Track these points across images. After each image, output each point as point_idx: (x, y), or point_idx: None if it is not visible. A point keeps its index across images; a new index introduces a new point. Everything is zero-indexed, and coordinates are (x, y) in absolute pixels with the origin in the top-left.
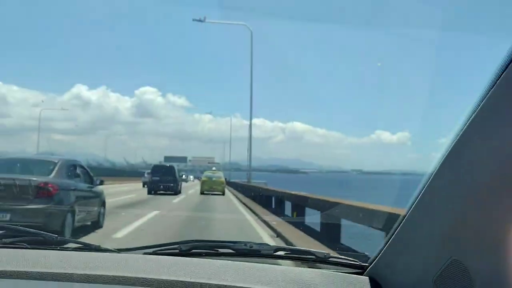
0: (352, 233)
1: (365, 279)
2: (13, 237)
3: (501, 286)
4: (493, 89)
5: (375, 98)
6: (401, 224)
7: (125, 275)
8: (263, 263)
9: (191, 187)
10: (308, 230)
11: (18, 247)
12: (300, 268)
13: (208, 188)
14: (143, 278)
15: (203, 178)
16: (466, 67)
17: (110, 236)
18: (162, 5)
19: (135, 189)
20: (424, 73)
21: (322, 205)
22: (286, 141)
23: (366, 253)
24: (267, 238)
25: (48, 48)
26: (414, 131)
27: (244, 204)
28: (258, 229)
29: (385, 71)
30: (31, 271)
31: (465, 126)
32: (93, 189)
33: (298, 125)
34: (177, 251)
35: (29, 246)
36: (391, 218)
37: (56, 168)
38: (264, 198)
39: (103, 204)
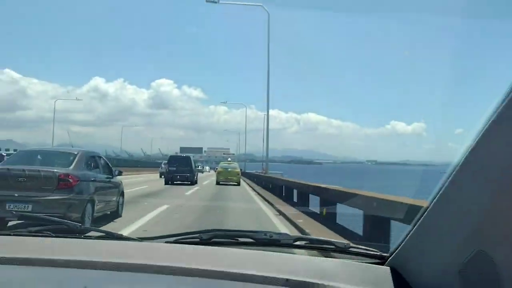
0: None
1: (386, 269)
2: (38, 226)
3: None
4: None
5: (391, 88)
6: (424, 215)
7: (148, 263)
8: (283, 252)
9: (206, 178)
10: (334, 226)
11: (44, 235)
12: (320, 257)
13: (224, 179)
14: (165, 266)
15: (219, 169)
16: (490, 55)
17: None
18: None
19: (150, 180)
20: (443, 62)
21: (342, 196)
22: (301, 132)
23: (386, 244)
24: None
25: (66, 42)
26: (431, 121)
27: (261, 196)
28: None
29: (402, 61)
30: (57, 259)
31: (494, 116)
32: (112, 179)
33: (313, 116)
34: (198, 240)
35: (53, 235)
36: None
37: (76, 160)
38: (283, 191)
39: (121, 194)
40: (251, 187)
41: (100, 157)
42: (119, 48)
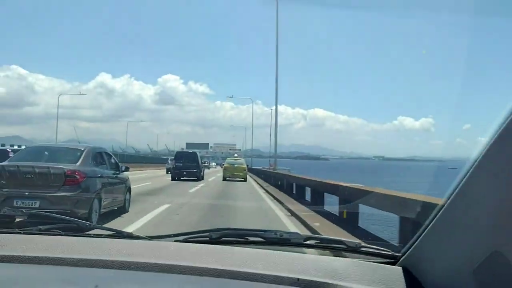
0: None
1: (398, 269)
2: (48, 224)
3: None
4: None
5: (399, 84)
6: (439, 213)
7: (158, 262)
8: (293, 251)
9: (212, 174)
10: (357, 231)
11: (54, 234)
12: (331, 257)
13: (230, 175)
14: (175, 265)
15: (225, 165)
16: (501, 52)
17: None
18: None
19: (154, 176)
20: (453, 59)
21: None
22: (307, 128)
23: (398, 244)
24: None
25: (73, 38)
26: (439, 116)
27: (270, 194)
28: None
29: (410, 57)
30: (66, 258)
31: None
32: (118, 175)
33: (320, 112)
34: (208, 239)
35: (63, 233)
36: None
37: (83, 156)
38: (293, 188)
39: (128, 190)
40: (258, 184)
41: (107, 153)
42: (125, 44)
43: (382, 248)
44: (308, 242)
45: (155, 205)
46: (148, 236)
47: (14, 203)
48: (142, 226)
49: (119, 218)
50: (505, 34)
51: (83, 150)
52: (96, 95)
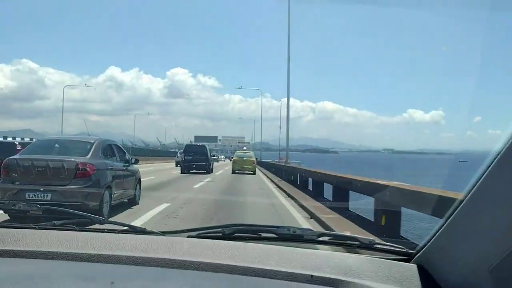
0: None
1: (413, 266)
2: (62, 219)
3: None
4: None
5: (409, 76)
6: (457, 210)
7: (171, 257)
8: (306, 248)
9: (220, 167)
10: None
11: (67, 229)
12: (344, 253)
13: (239, 168)
14: (189, 261)
15: (234, 158)
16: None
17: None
18: None
19: (160, 169)
20: (466, 52)
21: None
22: (316, 121)
23: (413, 241)
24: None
25: (82, 31)
26: (449, 109)
27: (283, 191)
28: None
29: (421, 50)
30: (81, 253)
31: None
32: (128, 167)
33: (329, 105)
34: (220, 234)
35: (77, 228)
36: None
37: (93, 149)
38: (308, 184)
39: (138, 182)
40: (269, 178)
41: (116, 145)
42: (134, 38)
43: (396, 245)
44: (321, 238)
45: (153, 203)
46: (162, 232)
47: (26, 196)
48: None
49: (124, 211)
50: None
51: (93, 143)
52: (105, 89)
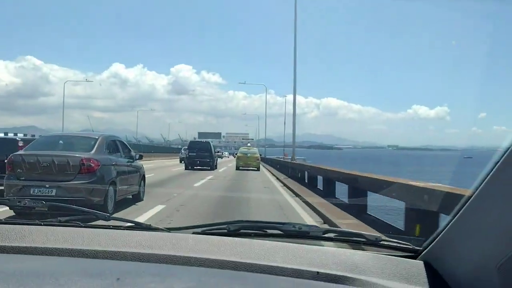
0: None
1: (419, 263)
2: (67, 216)
3: None
4: None
5: (413, 72)
6: (465, 206)
7: (177, 254)
8: (312, 245)
9: (223, 164)
10: None
11: (73, 225)
12: (350, 250)
13: (244, 164)
14: (194, 257)
15: (239, 154)
16: None
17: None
18: None
19: (161, 166)
20: (470, 47)
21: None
22: (320, 117)
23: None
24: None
25: (86, 28)
26: (454, 105)
27: (291, 191)
28: None
29: (426, 46)
30: (86, 249)
31: None
32: (132, 163)
33: (333, 101)
34: (226, 231)
35: (83, 225)
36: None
37: (97, 144)
38: (317, 183)
39: (143, 178)
40: (274, 175)
41: (120, 141)
42: (138, 34)
43: (402, 242)
44: (327, 235)
45: (147, 205)
46: (167, 228)
47: (31, 192)
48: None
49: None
50: None
51: (97, 139)
52: (109, 85)
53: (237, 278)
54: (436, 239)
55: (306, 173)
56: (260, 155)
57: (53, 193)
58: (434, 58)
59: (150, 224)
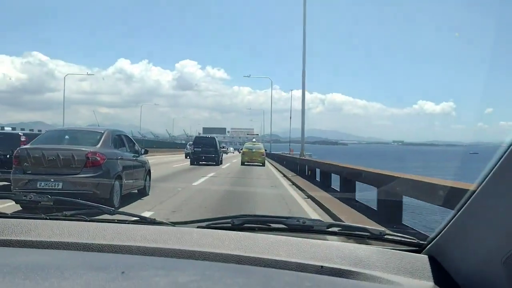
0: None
1: (424, 257)
2: (73, 210)
3: None
4: None
5: (419, 68)
6: (469, 200)
7: (181, 248)
8: (316, 239)
9: (228, 160)
10: None
11: (78, 219)
12: (354, 244)
13: (249, 159)
14: (198, 251)
15: (244, 150)
16: None
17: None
18: None
19: (163, 162)
20: (476, 42)
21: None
22: (325, 113)
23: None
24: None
25: (92, 24)
26: (460, 101)
27: (301, 190)
28: None
29: (432, 41)
30: (92, 243)
31: None
32: (138, 158)
33: (338, 96)
34: (230, 225)
35: (88, 219)
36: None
37: (103, 138)
38: (331, 181)
39: (148, 172)
40: (281, 172)
41: (126, 135)
42: (144, 30)
43: (407, 236)
44: (331, 229)
45: (137, 208)
46: (171, 222)
47: (38, 185)
48: None
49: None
50: None
51: (102, 133)
52: (115, 81)
53: (241, 272)
54: (441, 233)
55: (316, 170)
56: (265, 150)
57: (60, 187)
58: (440, 53)
59: (154, 218)
